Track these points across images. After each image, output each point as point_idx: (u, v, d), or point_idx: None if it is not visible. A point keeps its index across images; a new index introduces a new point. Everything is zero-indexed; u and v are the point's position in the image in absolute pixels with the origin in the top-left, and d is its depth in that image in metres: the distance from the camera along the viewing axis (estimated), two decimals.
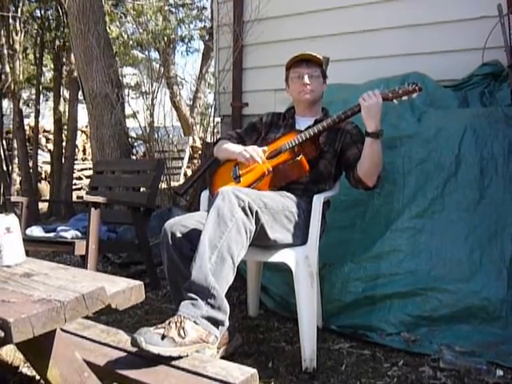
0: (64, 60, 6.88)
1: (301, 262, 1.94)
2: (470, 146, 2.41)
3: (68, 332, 1.51)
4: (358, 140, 2.12)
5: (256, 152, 2.11)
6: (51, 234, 2.94)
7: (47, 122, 10.01)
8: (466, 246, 2.23)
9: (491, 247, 2.19)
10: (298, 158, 2.03)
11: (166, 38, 5.88)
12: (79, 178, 8.84)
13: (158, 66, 5.58)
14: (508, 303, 2.07)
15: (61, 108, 6.98)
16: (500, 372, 1.84)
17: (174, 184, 5.30)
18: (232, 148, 2.24)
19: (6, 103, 8.26)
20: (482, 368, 1.85)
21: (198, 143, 8.21)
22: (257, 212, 1.77)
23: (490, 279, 2.13)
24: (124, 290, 1.18)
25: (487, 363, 1.88)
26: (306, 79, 2.20)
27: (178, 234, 1.83)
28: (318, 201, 2.03)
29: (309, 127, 2.14)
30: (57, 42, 6.72)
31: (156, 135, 4.78)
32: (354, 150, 2.11)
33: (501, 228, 2.22)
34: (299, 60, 2.22)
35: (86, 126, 8.57)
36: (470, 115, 2.54)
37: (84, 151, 10.77)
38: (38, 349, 1.15)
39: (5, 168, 6.95)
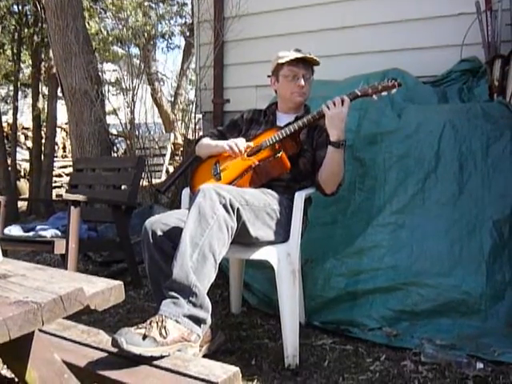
0: (42, 56, 6.78)
1: (283, 260, 1.94)
2: (449, 142, 2.43)
3: (47, 333, 1.48)
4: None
5: (240, 141, 2.12)
6: (30, 233, 2.89)
7: (26, 119, 9.85)
8: (446, 240, 2.25)
9: (470, 242, 2.22)
10: (279, 155, 2.02)
11: (146, 34, 5.82)
12: (59, 176, 8.73)
13: (138, 62, 5.53)
14: (487, 297, 2.11)
15: (39, 105, 6.88)
16: (480, 365, 1.86)
17: (156, 181, 5.27)
18: (214, 142, 2.24)
19: None
20: (463, 361, 1.87)
21: (180, 140, 8.16)
22: (238, 209, 1.76)
23: (470, 273, 2.16)
24: (103, 290, 1.16)
25: (467, 356, 1.91)
26: (302, 81, 2.17)
27: (159, 232, 1.82)
28: (299, 198, 2.03)
29: (289, 123, 2.13)
30: (35, 38, 6.62)
31: (137, 132, 4.74)
32: (324, 152, 2.06)
33: (480, 222, 2.25)
34: (296, 58, 2.17)
35: (66, 123, 8.45)
36: (449, 111, 2.57)
37: (64, 148, 10.63)
38: (16, 351, 1.13)
39: None
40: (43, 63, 6.85)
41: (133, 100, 4.59)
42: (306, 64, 2.20)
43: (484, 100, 2.74)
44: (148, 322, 1.51)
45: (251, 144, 2.15)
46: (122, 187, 3.36)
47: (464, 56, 2.97)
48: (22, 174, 8.48)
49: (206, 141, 2.31)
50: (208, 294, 1.65)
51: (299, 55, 2.17)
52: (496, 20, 2.89)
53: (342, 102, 1.99)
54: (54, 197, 6.84)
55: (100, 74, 4.98)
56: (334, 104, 1.98)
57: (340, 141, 1.98)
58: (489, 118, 2.46)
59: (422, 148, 2.47)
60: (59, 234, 2.86)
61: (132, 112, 4.59)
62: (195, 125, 4.65)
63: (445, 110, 2.62)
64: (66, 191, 3.57)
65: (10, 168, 6.74)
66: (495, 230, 2.22)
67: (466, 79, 2.90)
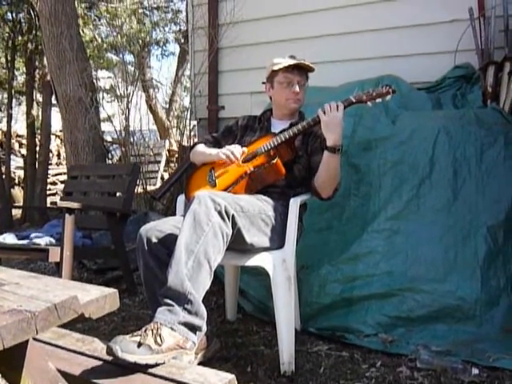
0: (36, 63, 6.78)
1: (278, 266, 1.94)
2: (443, 148, 2.44)
3: (42, 341, 1.47)
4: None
5: (236, 149, 2.11)
6: (24, 241, 2.88)
7: (20, 127, 9.84)
8: (441, 246, 2.26)
9: (465, 247, 2.23)
10: (274, 161, 2.03)
11: (140, 41, 5.83)
12: (54, 183, 8.71)
13: (133, 69, 5.53)
14: (482, 302, 2.11)
15: (34, 112, 6.88)
16: (475, 370, 1.86)
17: (151, 188, 5.26)
18: (208, 151, 2.24)
19: None
20: (458, 367, 1.87)
21: (175, 146, 8.17)
22: (233, 216, 1.76)
23: (465, 279, 2.17)
24: (98, 298, 1.15)
25: (463, 362, 1.91)
26: (297, 88, 2.18)
27: (154, 239, 1.81)
28: (294, 204, 2.03)
29: (283, 130, 2.14)
30: (29, 46, 6.62)
31: (132, 139, 4.74)
32: (319, 158, 2.07)
33: (474, 228, 2.26)
34: (291, 65, 2.17)
35: (60, 131, 8.44)
36: (443, 117, 2.58)
37: (58, 156, 10.61)
38: (10, 360, 1.12)
39: None
40: (37, 70, 6.85)
41: (127, 107, 4.59)
42: (301, 70, 2.20)
43: (477, 106, 2.75)
44: (143, 329, 1.50)
45: (246, 150, 2.16)
46: (117, 194, 3.36)
47: (457, 62, 2.99)
48: (17, 181, 8.45)
49: (201, 148, 2.31)
50: (203, 301, 1.65)
51: (294, 62, 2.18)
52: (489, 26, 2.91)
53: (337, 107, 1.99)
54: (48, 204, 6.80)
55: (94, 81, 4.98)
56: (330, 109, 1.99)
57: (336, 146, 1.99)
58: (482, 124, 2.47)
59: (416, 154, 2.48)
60: (54, 241, 2.84)
61: (127, 119, 4.59)
62: (190, 131, 4.66)
63: (439, 116, 2.63)
64: (61, 198, 3.56)
65: (4, 176, 6.72)
66: (489, 236, 2.23)
67: (460, 85, 2.92)
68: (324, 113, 2.00)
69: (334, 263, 2.39)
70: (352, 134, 2.69)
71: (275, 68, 2.20)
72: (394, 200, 2.43)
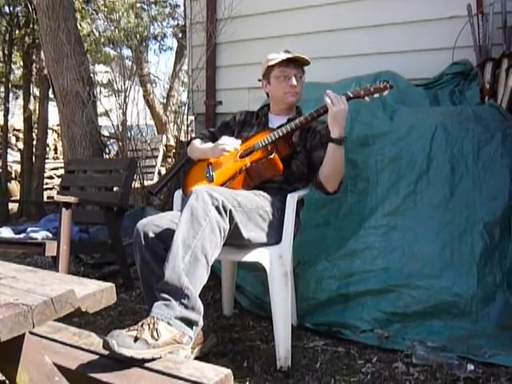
0: (34, 57, 6.75)
1: (275, 262, 1.94)
2: (440, 144, 2.44)
3: (38, 335, 1.47)
4: (326, 142, 2.05)
5: (229, 141, 2.11)
6: (21, 235, 2.87)
7: (17, 121, 9.78)
8: (438, 242, 2.26)
9: (462, 244, 2.23)
10: (271, 156, 2.02)
11: (138, 36, 5.81)
12: (50, 178, 8.68)
13: (130, 63, 5.51)
14: (478, 298, 2.12)
15: (31, 106, 6.85)
16: (471, 366, 1.86)
17: (148, 183, 5.25)
18: (204, 148, 2.23)
19: None
20: (454, 363, 1.88)
21: (172, 142, 8.15)
22: (231, 211, 1.76)
23: (461, 275, 2.17)
24: (94, 292, 1.15)
25: (458, 358, 1.91)
26: (294, 81, 2.18)
27: (151, 234, 1.81)
28: (291, 199, 2.03)
29: (281, 125, 2.13)
30: (26, 39, 6.59)
31: (129, 134, 4.73)
32: (321, 153, 2.08)
33: (471, 225, 2.26)
34: (286, 59, 2.17)
35: (57, 125, 8.41)
36: (441, 113, 2.58)
37: (55, 150, 10.59)
38: (7, 353, 1.12)
39: None
40: (34, 64, 6.81)
41: (125, 102, 4.58)
42: (297, 64, 2.20)
43: (475, 103, 2.75)
44: (140, 324, 1.51)
45: (240, 142, 2.15)
46: (114, 189, 3.35)
47: (455, 59, 2.99)
48: (13, 175, 8.43)
49: (198, 144, 2.30)
50: (200, 295, 1.65)
51: (289, 56, 2.18)
52: (487, 23, 2.91)
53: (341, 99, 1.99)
54: (45, 199, 6.79)
55: (92, 75, 4.97)
56: (336, 100, 1.97)
57: (342, 137, 1.99)
58: (480, 120, 2.47)
59: (413, 150, 2.48)
60: (50, 235, 2.84)
61: (124, 114, 4.58)
62: (187, 126, 4.65)
63: (436, 112, 2.63)
64: (58, 193, 3.55)
65: (0, 170, 6.70)
66: (486, 232, 2.23)
67: (458, 82, 2.91)
68: (333, 104, 1.98)
69: (330, 259, 2.39)
70: (349, 130, 2.68)
71: (271, 63, 2.19)
72: (391, 196, 2.43)
